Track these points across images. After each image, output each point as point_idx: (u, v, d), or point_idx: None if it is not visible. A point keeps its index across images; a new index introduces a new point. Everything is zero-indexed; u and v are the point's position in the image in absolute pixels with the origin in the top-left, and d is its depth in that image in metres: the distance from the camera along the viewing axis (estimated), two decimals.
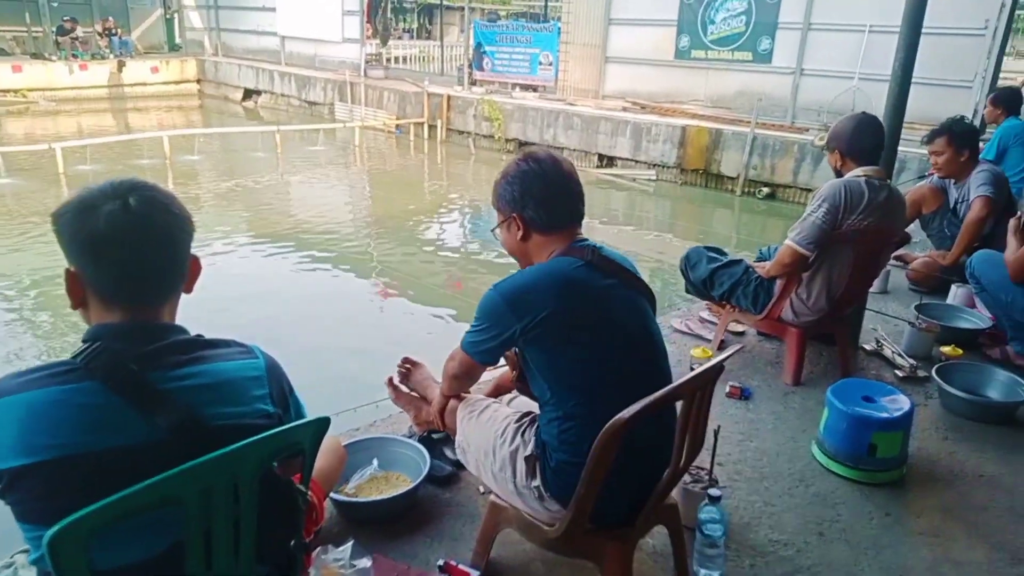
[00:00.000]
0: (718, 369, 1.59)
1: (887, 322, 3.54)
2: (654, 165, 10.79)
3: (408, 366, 2.23)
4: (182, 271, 1.23)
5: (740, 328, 3.43)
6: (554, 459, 1.63)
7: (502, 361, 1.86)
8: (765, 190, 9.85)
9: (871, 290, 3.78)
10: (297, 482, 1.34)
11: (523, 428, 1.75)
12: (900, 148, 9.54)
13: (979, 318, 3.47)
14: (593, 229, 8.53)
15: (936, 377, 2.83)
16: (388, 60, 16.86)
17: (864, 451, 2.27)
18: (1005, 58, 10.41)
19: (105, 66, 17.38)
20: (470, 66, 13.93)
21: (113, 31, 17.92)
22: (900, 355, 3.15)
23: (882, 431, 2.25)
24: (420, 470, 2.10)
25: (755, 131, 9.67)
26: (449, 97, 13.19)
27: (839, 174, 2.85)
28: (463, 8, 15.97)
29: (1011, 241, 3.13)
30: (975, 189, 3.85)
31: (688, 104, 11.74)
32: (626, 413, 1.43)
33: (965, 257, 3.64)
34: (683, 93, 12.00)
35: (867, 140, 2.74)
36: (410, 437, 2.28)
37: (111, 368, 1.09)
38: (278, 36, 17.66)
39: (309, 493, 1.66)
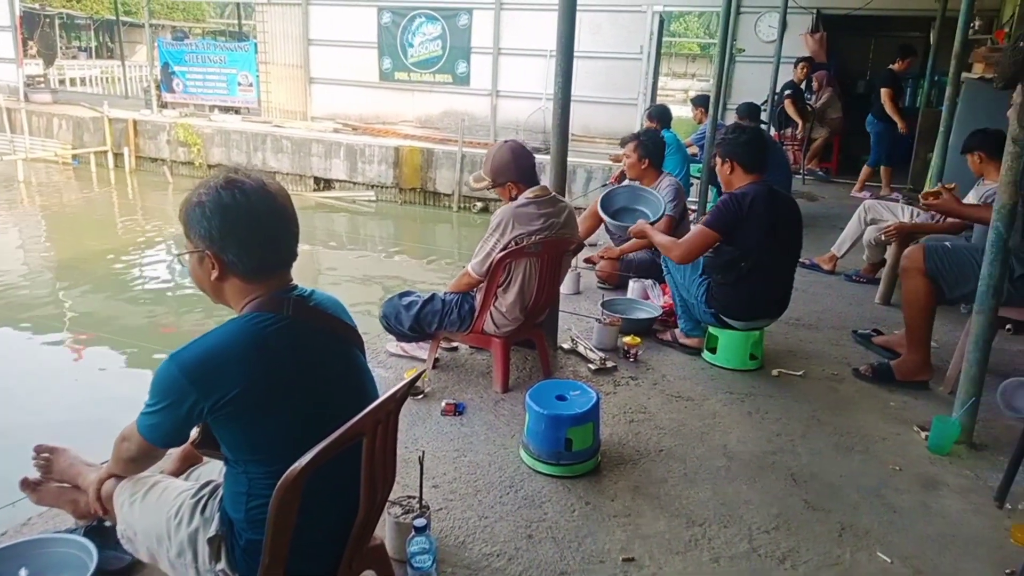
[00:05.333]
0: (398, 399, 1.55)
1: (580, 320, 3.86)
2: (372, 186, 10.79)
3: (46, 455, 1.87)
4: None
5: (454, 344, 3.49)
6: (243, 538, 1.46)
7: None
8: (479, 204, 10.37)
9: (566, 292, 4.12)
10: None
11: (202, 503, 1.55)
12: (588, 160, 10.47)
13: (652, 308, 3.94)
14: (317, 255, 8.27)
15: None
16: (61, 82, 14.73)
17: (562, 447, 2.42)
18: (663, 78, 12.21)
19: None
20: (158, 88, 12.70)
21: None
22: (591, 350, 3.45)
23: (575, 425, 2.42)
24: (87, 568, 1.78)
25: (463, 149, 10.12)
26: (135, 122, 11.90)
27: (514, 200, 3.04)
28: (146, 25, 14.49)
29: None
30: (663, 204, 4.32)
31: (399, 125, 11.94)
32: (298, 464, 1.32)
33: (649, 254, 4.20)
34: (393, 114, 12.19)
35: (525, 162, 2.99)
36: (74, 531, 1.92)
37: None
38: None
39: None
